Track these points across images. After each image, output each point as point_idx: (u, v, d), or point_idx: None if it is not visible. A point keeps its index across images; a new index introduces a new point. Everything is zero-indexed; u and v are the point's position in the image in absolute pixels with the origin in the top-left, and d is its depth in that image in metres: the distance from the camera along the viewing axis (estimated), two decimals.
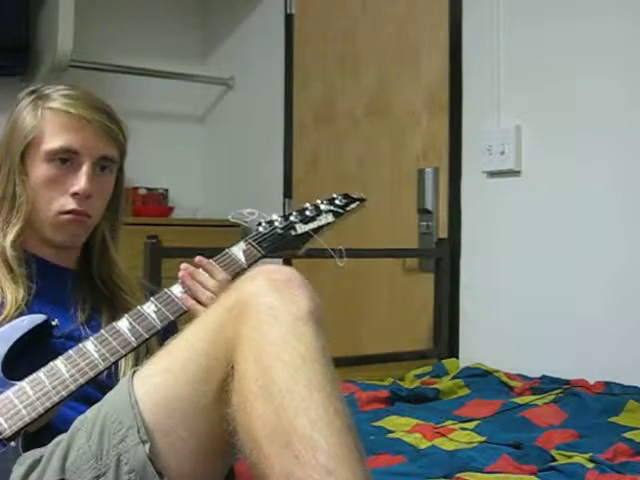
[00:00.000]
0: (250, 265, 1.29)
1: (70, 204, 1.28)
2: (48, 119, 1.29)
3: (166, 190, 3.80)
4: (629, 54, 2.23)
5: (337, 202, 1.42)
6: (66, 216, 1.29)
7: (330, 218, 1.40)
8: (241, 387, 0.96)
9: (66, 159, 1.28)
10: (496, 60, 2.54)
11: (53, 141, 1.28)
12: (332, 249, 1.38)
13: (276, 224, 1.36)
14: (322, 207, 1.41)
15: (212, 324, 1.03)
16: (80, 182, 1.27)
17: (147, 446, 0.98)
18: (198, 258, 1.28)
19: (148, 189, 3.69)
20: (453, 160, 2.70)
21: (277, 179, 3.47)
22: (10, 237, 1.28)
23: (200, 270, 1.26)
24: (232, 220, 1.43)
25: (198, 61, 3.99)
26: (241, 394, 0.96)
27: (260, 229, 1.36)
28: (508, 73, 2.52)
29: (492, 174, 2.57)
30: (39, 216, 1.30)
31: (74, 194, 1.28)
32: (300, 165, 3.40)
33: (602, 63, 2.29)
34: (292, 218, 1.38)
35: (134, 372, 1.06)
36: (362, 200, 1.44)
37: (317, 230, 1.38)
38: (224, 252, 1.30)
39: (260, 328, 0.98)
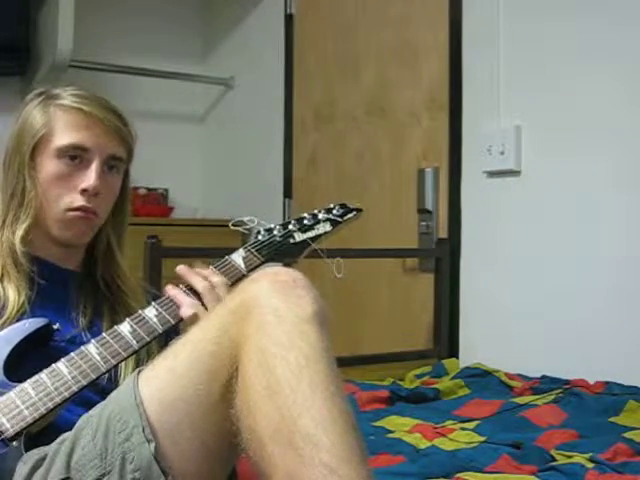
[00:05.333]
0: (249, 272, 1.30)
1: (78, 201, 1.29)
2: (59, 116, 1.30)
3: (166, 190, 3.81)
4: (629, 54, 2.24)
5: (334, 212, 1.44)
6: (74, 213, 1.29)
7: (328, 227, 1.42)
8: (245, 387, 0.96)
9: (76, 156, 1.29)
10: (496, 60, 2.54)
11: (63, 138, 1.28)
12: (329, 257, 1.39)
13: (275, 232, 1.38)
14: (320, 216, 1.43)
15: (217, 325, 1.04)
16: (89, 179, 1.28)
17: (152, 445, 0.98)
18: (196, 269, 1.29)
19: (148, 189, 3.70)
20: (453, 160, 2.70)
21: (277, 179, 3.47)
22: (19, 233, 1.28)
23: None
24: (232, 227, 1.44)
25: (198, 61, 3.99)
26: (245, 394, 0.96)
27: (259, 237, 1.37)
28: (508, 73, 2.53)
29: (492, 174, 2.57)
30: (47, 213, 1.30)
31: (83, 191, 1.28)
32: (300, 165, 3.40)
33: (602, 63, 2.29)
34: (290, 227, 1.40)
35: (139, 372, 1.06)
36: (359, 210, 1.46)
37: (315, 239, 1.40)
38: (224, 259, 1.32)
39: (264, 329, 0.98)
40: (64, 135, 1.29)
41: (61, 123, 1.29)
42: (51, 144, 1.29)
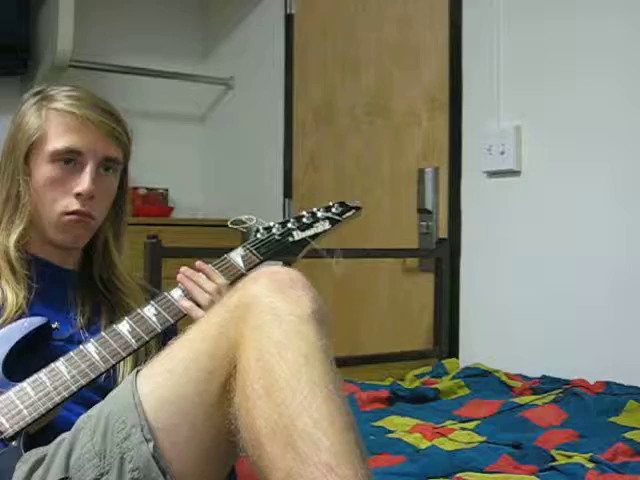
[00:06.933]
0: (249, 270, 1.30)
1: (74, 205, 1.28)
2: (52, 120, 1.29)
3: (166, 190, 3.81)
4: (629, 54, 2.24)
5: (333, 210, 1.43)
6: (69, 217, 1.28)
7: (327, 225, 1.41)
8: (243, 386, 0.96)
9: (70, 159, 1.28)
10: (496, 60, 2.54)
11: (57, 142, 1.27)
12: (329, 251, 1.39)
13: (274, 230, 1.38)
14: (319, 214, 1.42)
15: (215, 324, 1.04)
16: (83, 183, 1.27)
17: (151, 445, 0.98)
18: (198, 263, 1.29)
19: (148, 189, 3.69)
20: (453, 160, 2.70)
21: (277, 179, 3.47)
22: (14, 237, 1.28)
23: (199, 273, 1.27)
24: (231, 226, 1.44)
25: (198, 61, 3.99)
26: (243, 393, 0.96)
27: (258, 235, 1.37)
28: (508, 73, 2.53)
29: (492, 174, 2.57)
30: (43, 217, 1.29)
31: (77, 195, 1.27)
32: (300, 165, 3.40)
33: (602, 63, 2.29)
34: (289, 225, 1.39)
35: (137, 371, 1.06)
36: (358, 208, 1.46)
37: (314, 237, 1.40)
38: (223, 257, 1.32)
39: (263, 328, 0.98)
40: (57, 139, 1.27)
41: (54, 127, 1.28)
42: (45, 148, 1.28)
